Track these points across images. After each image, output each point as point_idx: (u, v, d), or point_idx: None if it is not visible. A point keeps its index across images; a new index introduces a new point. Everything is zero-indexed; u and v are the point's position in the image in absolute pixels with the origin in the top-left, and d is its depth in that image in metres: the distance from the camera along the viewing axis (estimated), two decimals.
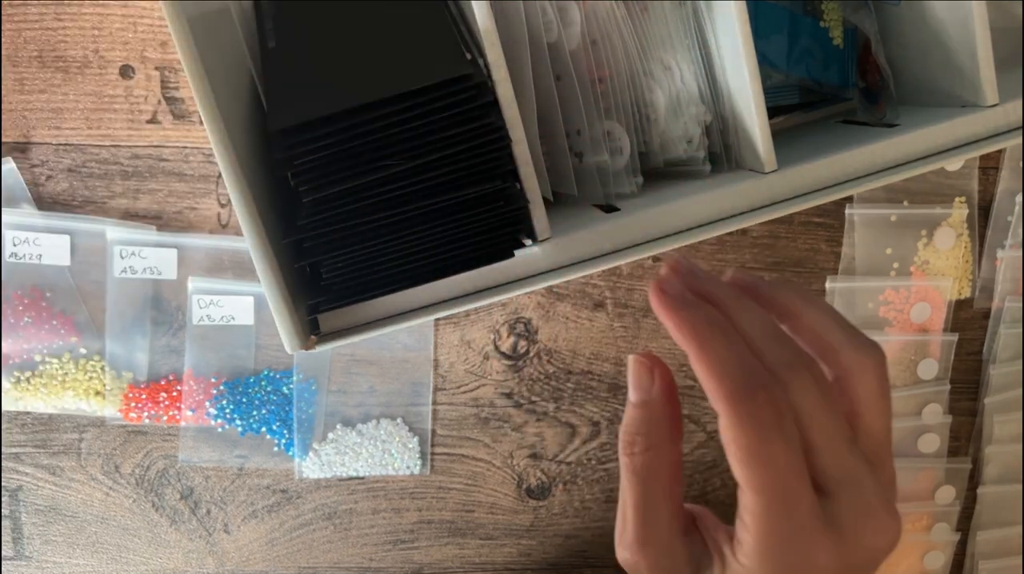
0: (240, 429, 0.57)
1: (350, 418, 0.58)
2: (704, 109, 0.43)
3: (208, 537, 0.59)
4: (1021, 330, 0.60)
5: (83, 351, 0.55)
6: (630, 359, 0.31)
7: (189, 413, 0.56)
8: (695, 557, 0.29)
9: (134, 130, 0.53)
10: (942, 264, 0.59)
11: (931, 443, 0.62)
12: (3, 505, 0.57)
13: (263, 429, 0.57)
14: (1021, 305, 0.60)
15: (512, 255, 0.37)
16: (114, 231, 0.53)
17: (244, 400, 0.57)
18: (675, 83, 0.43)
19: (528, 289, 0.39)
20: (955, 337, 0.60)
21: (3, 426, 0.56)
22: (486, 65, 0.37)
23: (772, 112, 0.41)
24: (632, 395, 0.30)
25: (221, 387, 0.56)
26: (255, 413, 0.57)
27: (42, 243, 0.53)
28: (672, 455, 0.30)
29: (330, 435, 0.58)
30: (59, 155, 0.53)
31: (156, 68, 0.52)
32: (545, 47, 0.41)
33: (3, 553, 0.58)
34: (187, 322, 0.55)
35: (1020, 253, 0.59)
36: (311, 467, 0.58)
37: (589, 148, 0.44)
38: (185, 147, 0.53)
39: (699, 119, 0.43)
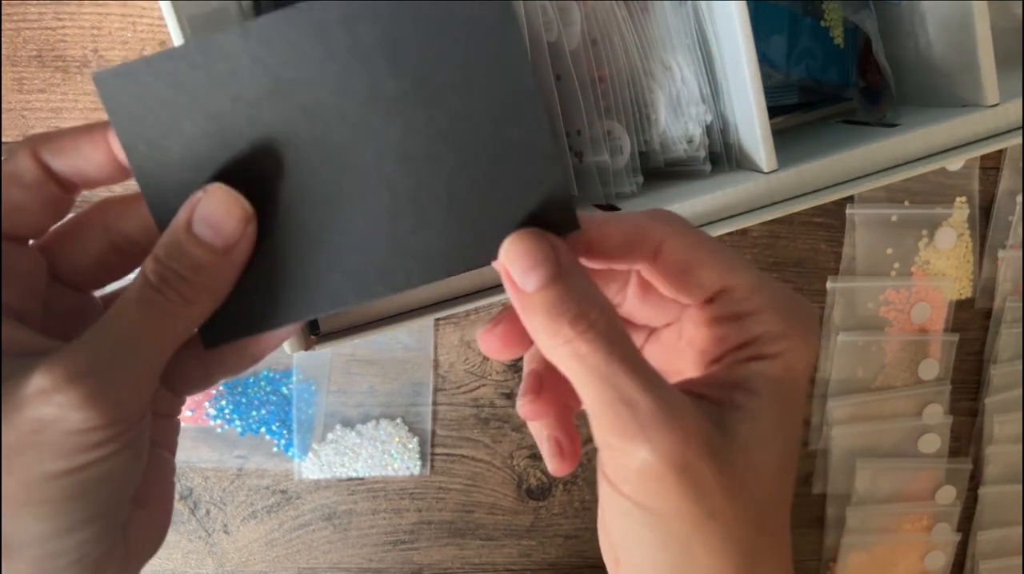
0: (239, 429, 0.57)
1: (350, 418, 0.58)
2: (704, 109, 0.43)
3: (207, 538, 0.59)
4: (1022, 330, 0.60)
5: None
6: (506, 246, 0.23)
7: (188, 413, 0.56)
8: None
9: None
10: (943, 264, 0.59)
11: (932, 443, 0.61)
12: None
13: (262, 429, 0.57)
14: (1022, 305, 0.60)
15: None
16: None
17: (243, 400, 0.56)
18: (675, 83, 0.43)
19: None
20: (956, 337, 0.60)
21: None
22: None
23: (772, 112, 0.41)
24: (536, 276, 0.23)
25: (220, 387, 0.56)
26: (254, 413, 0.57)
27: None
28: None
29: (329, 435, 0.57)
30: None
31: None
32: (545, 46, 0.41)
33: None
34: None
35: (1021, 253, 0.59)
36: (310, 468, 0.58)
37: (589, 148, 0.43)
38: None
39: (699, 119, 0.43)
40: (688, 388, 0.24)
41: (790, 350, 0.24)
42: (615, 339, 0.23)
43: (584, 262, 0.25)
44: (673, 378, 0.26)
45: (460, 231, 0.24)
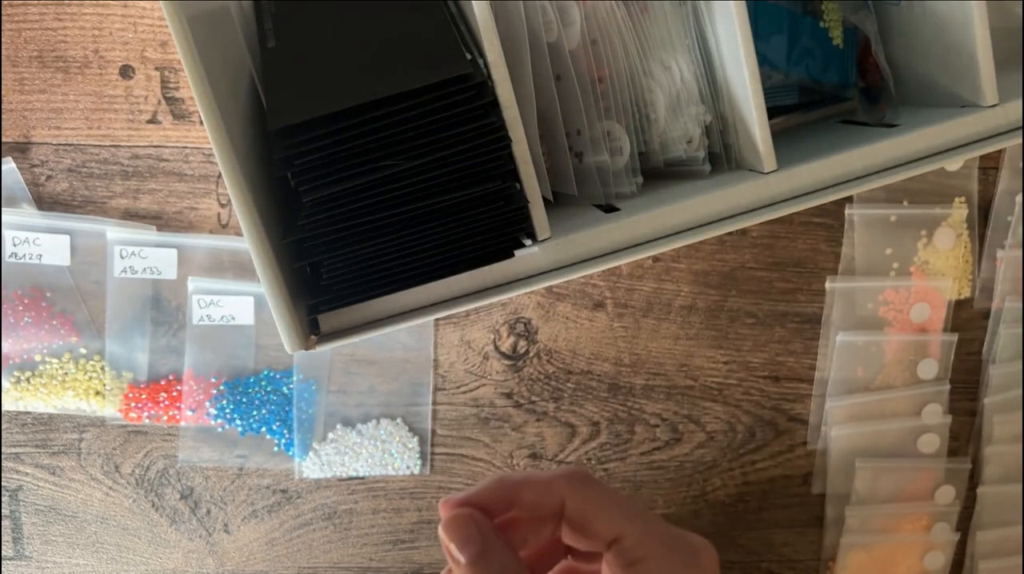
0: (240, 429, 0.57)
1: (350, 418, 0.58)
2: (704, 109, 0.43)
3: (208, 537, 0.59)
4: (1021, 330, 0.60)
5: (83, 351, 0.55)
6: (444, 526, 0.31)
7: (189, 413, 0.56)
8: None
9: (134, 130, 0.53)
10: (942, 264, 0.59)
11: (931, 443, 0.61)
12: (3, 505, 0.57)
13: (263, 429, 0.57)
14: (1021, 305, 0.60)
15: (512, 255, 0.37)
16: (114, 231, 0.53)
17: (244, 400, 0.57)
18: (675, 83, 0.43)
19: (528, 289, 0.39)
20: (955, 337, 0.60)
21: (3, 426, 0.56)
22: (486, 65, 0.37)
23: (772, 112, 0.41)
24: (466, 553, 0.30)
25: (221, 387, 0.56)
26: (255, 413, 0.57)
27: (42, 243, 0.53)
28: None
29: (330, 435, 0.58)
30: (59, 155, 0.53)
31: (156, 68, 0.52)
32: (545, 47, 0.41)
33: (3, 553, 0.58)
34: (187, 322, 0.55)
35: (1020, 253, 0.59)
36: (311, 467, 0.58)
37: (589, 148, 0.43)
38: (185, 147, 0.53)
39: (699, 119, 0.43)
40: None
41: None
42: None
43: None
44: None
45: (387, 67, 0.35)
